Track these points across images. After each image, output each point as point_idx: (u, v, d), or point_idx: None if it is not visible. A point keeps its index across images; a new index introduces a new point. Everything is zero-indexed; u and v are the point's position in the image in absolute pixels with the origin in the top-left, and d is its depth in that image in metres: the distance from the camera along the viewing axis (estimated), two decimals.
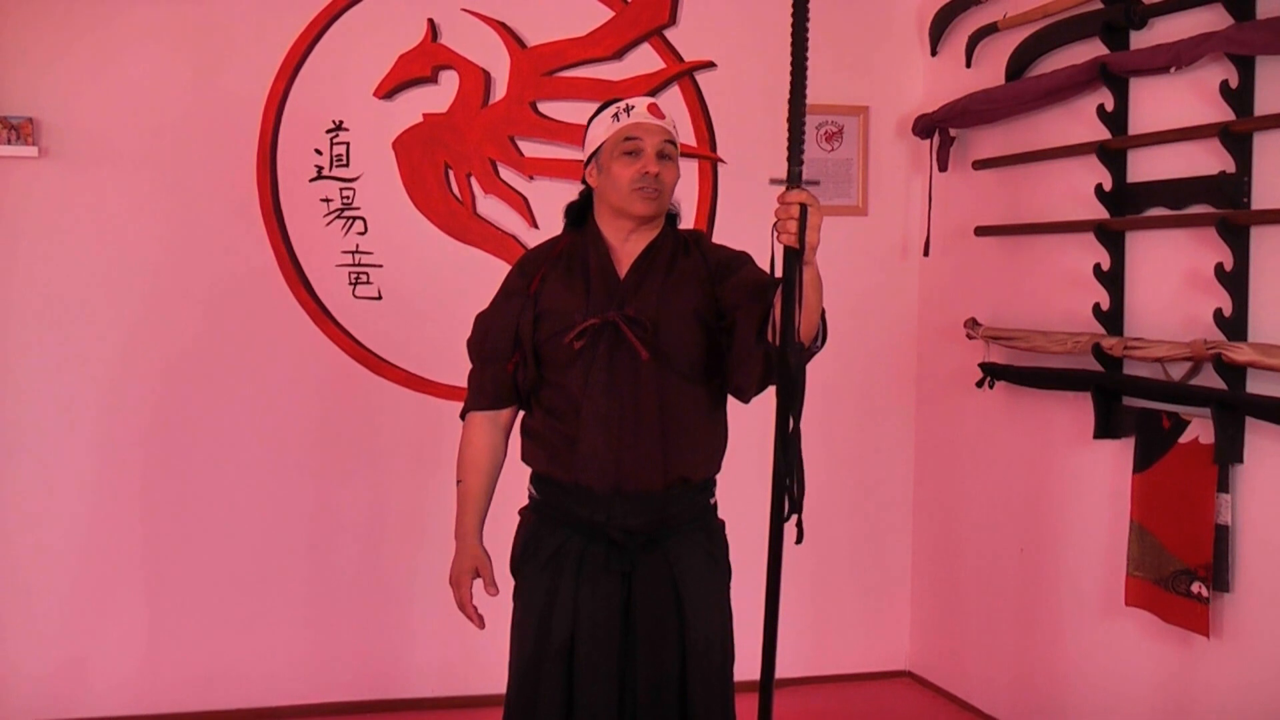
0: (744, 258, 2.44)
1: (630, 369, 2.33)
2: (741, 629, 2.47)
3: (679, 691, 2.36)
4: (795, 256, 2.11)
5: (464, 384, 2.55)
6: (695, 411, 2.40)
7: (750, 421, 2.80)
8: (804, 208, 2.09)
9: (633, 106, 2.40)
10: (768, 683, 2.26)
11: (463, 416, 2.54)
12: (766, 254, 2.24)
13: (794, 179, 2.12)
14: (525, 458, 2.49)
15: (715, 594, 2.44)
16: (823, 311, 2.30)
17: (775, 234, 2.14)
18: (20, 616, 3.76)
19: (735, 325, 2.33)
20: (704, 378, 2.41)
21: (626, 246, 2.43)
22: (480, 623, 2.46)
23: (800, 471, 2.16)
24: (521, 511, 2.52)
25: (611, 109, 2.43)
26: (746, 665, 2.47)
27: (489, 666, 2.68)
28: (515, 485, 2.53)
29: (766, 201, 4.14)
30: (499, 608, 2.47)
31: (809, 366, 2.36)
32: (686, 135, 4.06)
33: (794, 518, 2.16)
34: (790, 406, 2.15)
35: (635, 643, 2.35)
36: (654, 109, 2.41)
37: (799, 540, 2.17)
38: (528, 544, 2.45)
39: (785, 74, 2.13)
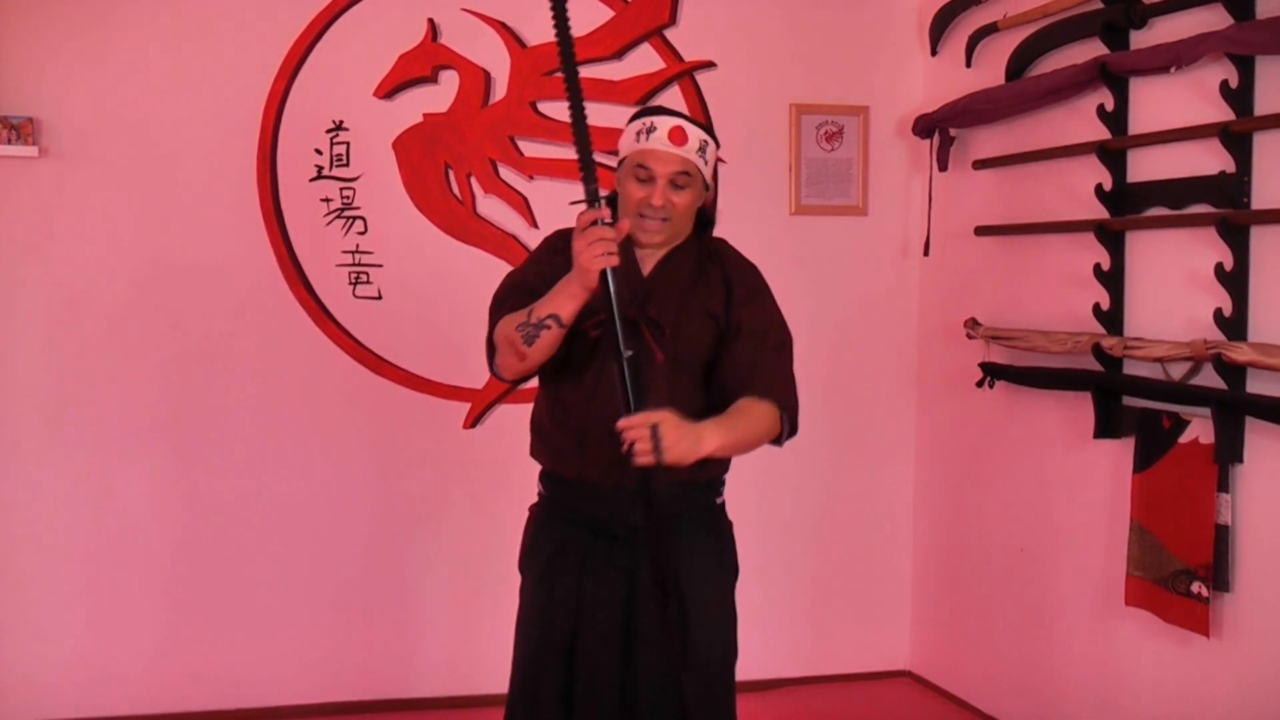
0: (756, 290, 2.43)
1: (644, 368, 2.33)
2: (743, 628, 2.47)
3: (680, 690, 2.36)
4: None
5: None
6: (705, 413, 2.40)
7: None
8: (655, 428, 2.06)
9: (655, 129, 2.35)
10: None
11: (491, 360, 2.39)
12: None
13: (591, 197, 2.07)
14: (534, 454, 2.50)
15: (719, 594, 2.45)
16: (781, 413, 2.34)
17: (631, 456, 2.07)
18: (22, 616, 3.76)
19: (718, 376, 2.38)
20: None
21: (650, 248, 2.43)
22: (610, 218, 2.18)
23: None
24: (530, 508, 2.53)
25: (638, 124, 2.40)
26: (749, 664, 2.47)
27: (494, 666, 2.68)
28: (526, 485, 2.54)
29: (767, 201, 4.17)
30: (502, 607, 2.47)
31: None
32: None
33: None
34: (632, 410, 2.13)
35: (638, 640, 2.35)
36: (676, 134, 2.35)
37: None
38: (534, 540, 2.46)
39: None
